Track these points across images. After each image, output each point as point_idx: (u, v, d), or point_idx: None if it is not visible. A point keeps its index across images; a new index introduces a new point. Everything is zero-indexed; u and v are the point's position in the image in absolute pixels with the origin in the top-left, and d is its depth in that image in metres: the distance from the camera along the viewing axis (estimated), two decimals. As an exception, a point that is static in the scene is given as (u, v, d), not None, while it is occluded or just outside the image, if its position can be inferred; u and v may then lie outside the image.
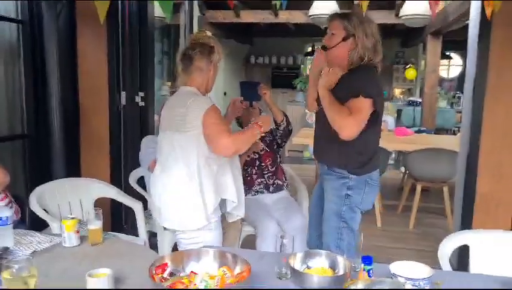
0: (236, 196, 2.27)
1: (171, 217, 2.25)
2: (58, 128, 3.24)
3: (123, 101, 3.61)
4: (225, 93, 8.56)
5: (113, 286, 1.42)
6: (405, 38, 9.29)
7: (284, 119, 3.03)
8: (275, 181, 3.10)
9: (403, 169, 5.73)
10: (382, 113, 2.15)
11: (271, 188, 3.08)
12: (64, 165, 3.24)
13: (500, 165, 3.12)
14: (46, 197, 2.70)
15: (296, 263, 1.50)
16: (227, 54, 8.61)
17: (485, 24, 3.02)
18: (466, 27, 3.54)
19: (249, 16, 7.08)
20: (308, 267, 1.52)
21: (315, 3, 4.98)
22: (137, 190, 3.08)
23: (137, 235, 2.82)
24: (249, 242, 2.97)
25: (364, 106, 2.01)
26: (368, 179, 2.18)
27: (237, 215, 2.40)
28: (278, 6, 2.68)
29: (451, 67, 10.80)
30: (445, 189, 4.38)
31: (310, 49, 9.42)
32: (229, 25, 7.65)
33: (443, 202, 4.38)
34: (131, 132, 3.66)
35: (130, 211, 3.12)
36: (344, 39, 2.14)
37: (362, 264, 1.44)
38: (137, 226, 2.82)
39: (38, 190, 2.69)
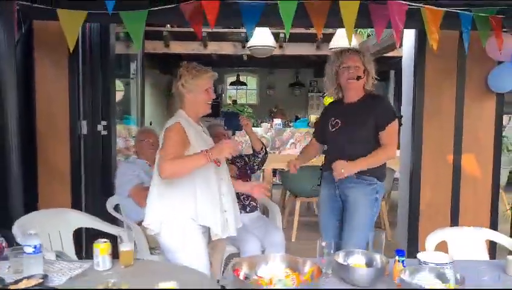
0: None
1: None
2: (16, 155, 3.11)
3: (84, 130, 3.56)
4: (151, 123, 8.52)
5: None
6: (317, 68, 10.07)
7: (263, 148, 3.24)
8: (250, 202, 3.29)
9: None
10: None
11: (247, 209, 3.26)
12: (22, 194, 3.10)
13: (437, 177, 3.63)
14: (27, 229, 2.59)
15: (340, 260, 1.72)
16: (152, 84, 8.64)
17: (421, 57, 3.56)
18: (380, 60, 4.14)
19: (178, 47, 7.23)
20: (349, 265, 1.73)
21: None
22: (118, 217, 3.06)
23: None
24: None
25: (396, 128, 2.63)
26: (383, 183, 2.64)
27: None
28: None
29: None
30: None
31: (235, 78, 9.77)
32: (153, 56, 7.72)
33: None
34: (92, 160, 3.60)
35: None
36: (364, 71, 2.65)
37: (397, 257, 1.70)
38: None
39: (20, 222, 2.58)
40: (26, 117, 3.32)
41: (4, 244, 2.26)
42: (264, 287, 1.43)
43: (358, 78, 2.65)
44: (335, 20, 2.64)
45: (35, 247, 1.78)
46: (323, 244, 1.77)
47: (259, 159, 3.28)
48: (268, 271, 1.58)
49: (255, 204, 3.32)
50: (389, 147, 2.57)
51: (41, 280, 1.68)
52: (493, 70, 3.46)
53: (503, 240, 2.38)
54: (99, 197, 3.67)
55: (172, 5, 2.99)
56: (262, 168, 3.79)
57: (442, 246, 2.31)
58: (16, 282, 1.66)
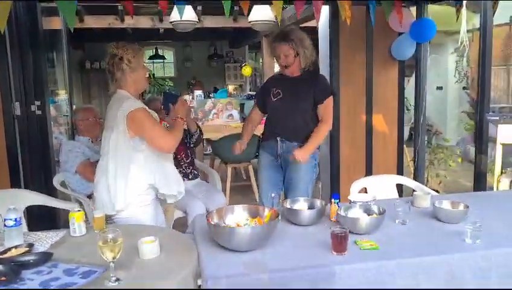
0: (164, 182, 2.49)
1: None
2: None
3: (17, 111, 3.57)
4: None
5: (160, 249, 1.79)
6: (233, 40, 10.33)
7: (198, 130, 3.49)
8: (192, 170, 3.57)
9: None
10: None
11: (190, 176, 3.54)
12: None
13: (353, 136, 4.15)
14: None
15: (287, 205, 2.09)
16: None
17: (334, 31, 3.99)
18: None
19: (93, 22, 7.07)
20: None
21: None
22: (66, 192, 3.19)
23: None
24: (179, 224, 3.38)
25: (332, 103, 2.98)
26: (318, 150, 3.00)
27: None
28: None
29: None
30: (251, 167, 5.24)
31: (152, 52, 9.71)
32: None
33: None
34: (29, 140, 3.63)
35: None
36: (296, 55, 2.88)
37: (333, 199, 2.10)
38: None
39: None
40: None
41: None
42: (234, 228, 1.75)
43: (287, 66, 2.94)
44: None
45: (15, 220, 1.93)
46: (273, 195, 2.13)
47: (194, 140, 3.54)
48: (233, 219, 1.90)
49: (196, 172, 3.61)
50: (328, 121, 2.93)
51: (27, 248, 1.85)
52: (395, 41, 4.00)
53: (409, 183, 2.92)
54: (38, 176, 3.73)
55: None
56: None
57: (363, 191, 2.79)
58: (4, 252, 1.82)
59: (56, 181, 3.23)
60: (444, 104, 8.33)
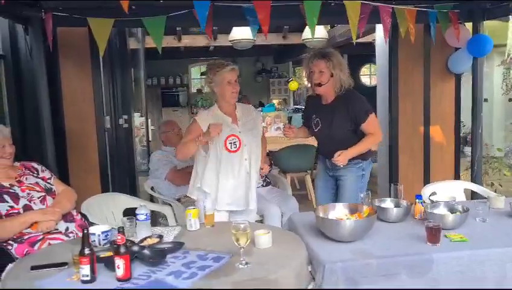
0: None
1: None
2: (51, 152, 3.47)
3: (107, 124, 3.97)
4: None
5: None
6: (277, 55, 10.69)
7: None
8: (265, 178, 3.88)
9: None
10: None
11: (264, 183, 3.84)
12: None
13: (411, 146, 4.37)
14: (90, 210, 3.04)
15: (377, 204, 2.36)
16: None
17: (394, 47, 4.24)
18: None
19: (151, 41, 7.55)
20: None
21: (234, 30, 5.82)
22: (156, 195, 3.55)
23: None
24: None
25: (374, 118, 2.98)
26: (369, 160, 3.13)
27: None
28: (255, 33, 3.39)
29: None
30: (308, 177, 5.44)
31: (198, 69, 10.18)
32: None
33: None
34: (117, 151, 4.02)
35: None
36: (331, 76, 2.91)
37: (417, 199, 2.36)
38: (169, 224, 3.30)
39: (84, 205, 3.02)
40: (55, 118, 3.68)
41: (86, 222, 2.73)
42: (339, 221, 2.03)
43: (320, 84, 2.92)
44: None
45: (146, 215, 2.27)
46: (362, 195, 2.40)
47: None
48: (335, 215, 2.18)
49: (268, 179, 3.92)
50: (375, 135, 2.98)
51: (158, 239, 2.18)
52: (452, 55, 4.22)
53: (475, 188, 3.14)
54: (124, 182, 4.12)
55: (186, 11, 3.43)
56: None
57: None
58: (141, 241, 2.15)
59: (147, 186, 3.60)
60: (490, 116, 8.39)
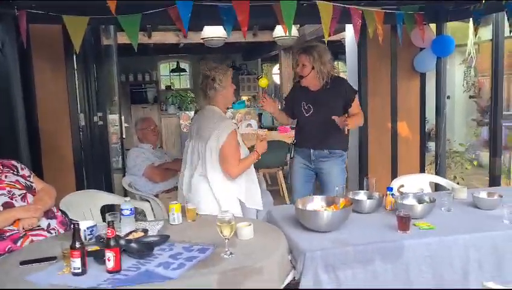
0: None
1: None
2: (25, 151, 3.46)
3: (82, 122, 3.97)
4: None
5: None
6: (245, 52, 10.79)
7: None
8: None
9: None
10: None
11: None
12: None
13: (380, 140, 4.57)
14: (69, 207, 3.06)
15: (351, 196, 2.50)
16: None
17: (363, 47, 4.41)
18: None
19: (122, 38, 7.50)
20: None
21: (206, 28, 5.88)
22: (134, 192, 3.59)
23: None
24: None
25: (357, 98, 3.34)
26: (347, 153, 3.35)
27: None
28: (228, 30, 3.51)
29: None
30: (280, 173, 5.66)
31: (167, 65, 10.15)
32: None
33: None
34: (92, 148, 4.03)
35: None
36: (312, 68, 3.19)
37: (388, 191, 2.51)
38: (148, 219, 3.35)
39: (63, 201, 3.05)
40: (29, 116, 3.65)
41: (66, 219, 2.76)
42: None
43: (301, 77, 3.24)
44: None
45: (130, 209, 2.33)
46: (337, 188, 2.54)
47: None
48: (313, 207, 2.31)
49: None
50: (360, 113, 3.34)
51: (143, 233, 2.25)
52: (417, 55, 4.43)
53: (440, 181, 3.34)
54: (99, 179, 4.13)
55: (161, 9, 3.48)
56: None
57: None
58: (126, 235, 2.21)
59: (125, 183, 3.64)
60: (452, 113, 8.75)
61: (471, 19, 4.07)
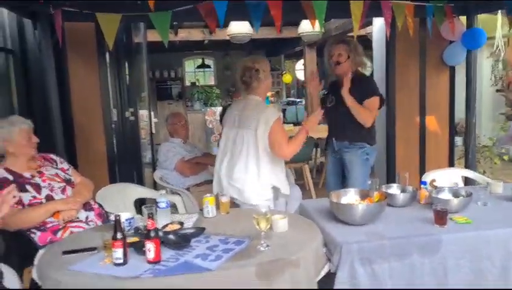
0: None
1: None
2: (60, 143, 3.53)
3: (114, 117, 4.05)
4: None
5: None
6: (268, 49, 10.78)
7: None
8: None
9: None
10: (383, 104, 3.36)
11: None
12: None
13: (408, 135, 4.53)
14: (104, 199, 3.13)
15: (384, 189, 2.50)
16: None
17: (391, 41, 4.37)
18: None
19: (151, 36, 7.60)
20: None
21: (233, 24, 5.91)
22: (166, 186, 3.65)
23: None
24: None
25: (376, 102, 3.28)
26: (374, 147, 3.37)
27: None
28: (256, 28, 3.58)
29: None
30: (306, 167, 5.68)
31: (192, 62, 10.22)
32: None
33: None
34: (124, 143, 4.11)
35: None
36: (348, 57, 3.31)
37: (422, 185, 2.50)
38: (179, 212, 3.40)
39: (98, 195, 3.12)
40: (64, 111, 3.75)
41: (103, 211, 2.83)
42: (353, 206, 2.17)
43: (338, 63, 3.34)
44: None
45: (166, 202, 2.38)
46: (369, 182, 2.54)
47: None
48: (347, 200, 2.32)
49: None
50: (369, 112, 3.24)
51: (179, 226, 2.29)
52: (447, 48, 4.37)
53: (472, 175, 3.30)
54: (131, 173, 4.21)
55: (191, 6, 3.52)
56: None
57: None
58: (163, 227, 2.26)
59: (156, 177, 3.70)
60: (480, 107, 8.59)
61: (499, 11, 3.99)
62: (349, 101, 3.22)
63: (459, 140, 5.15)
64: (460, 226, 2.15)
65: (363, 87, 3.29)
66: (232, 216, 2.55)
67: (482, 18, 5.06)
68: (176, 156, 3.69)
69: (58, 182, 2.64)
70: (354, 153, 3.31)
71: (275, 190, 2.93)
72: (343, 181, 3.48)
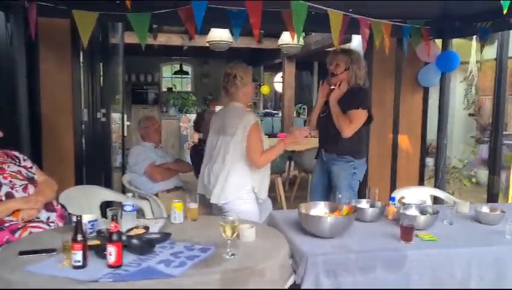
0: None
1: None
2: (26, 142, 3.43)
3: (85, 117, 3.96)
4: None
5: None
6: (247, 60, 10.81)
7: None
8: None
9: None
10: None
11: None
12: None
13: (381, 152, 4.58)
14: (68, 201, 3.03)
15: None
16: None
17: (369, 59, 4.42)
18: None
19: (128, 38, 7.51)
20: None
21: (212, 31, 5.90)
22: (134, 190, 3.57)
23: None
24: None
25: (360, 114, 3.21)
26: (363, 161, 3.34)
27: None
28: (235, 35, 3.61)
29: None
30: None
31: (169, 67, 10.15)
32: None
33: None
34: (94, 144, 4.01)
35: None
36: (346, 69, 3.28)
37: (390, 201, 2.51)
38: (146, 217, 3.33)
39: (62, 196, 3.03)
40: (32, 108, 3.63)
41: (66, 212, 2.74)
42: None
43: (333, 74, 3.33)
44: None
45: (133, 206, 2.32)
46: (339, 196, 2.53)
47: None
48: (316, 213, 2.30)
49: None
50: (349, 123, 3.17)
51: (144, 230, 2.23)
52: (421, 69, 4.46)
53: (441, 195, 3.34)
54: (99, 176, 4.11)
55: (171, 9, 3.50)
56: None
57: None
58: (128, 231, 2.19)
59: (125, 180, 3.62)
60: (451, 129, 8.79)
61: (474, 37, 4.10)
62: (333, 107, 3.24)
63: (430, 161, 5.22)
64: (425, 243, 2.16)
65: (352, 98, 3.26)
66: (199, 223, 2.50)
67: (457, 43, 5.20)
68: (146, 160, 3.62)
69: (20, 179, 2.54)
70: (340, 167, 3.27)
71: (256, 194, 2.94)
72: (328, 193, 3.47)
